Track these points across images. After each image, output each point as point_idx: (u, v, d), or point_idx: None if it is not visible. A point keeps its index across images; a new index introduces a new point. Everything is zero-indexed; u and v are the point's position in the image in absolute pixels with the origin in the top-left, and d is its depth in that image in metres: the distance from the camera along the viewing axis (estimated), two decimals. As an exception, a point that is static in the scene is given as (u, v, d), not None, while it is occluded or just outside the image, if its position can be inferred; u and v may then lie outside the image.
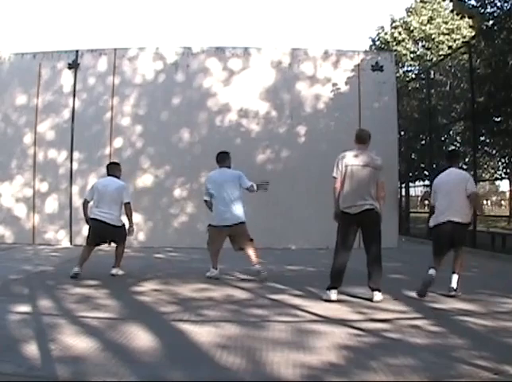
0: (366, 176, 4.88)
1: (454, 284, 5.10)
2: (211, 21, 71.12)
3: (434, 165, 13.37)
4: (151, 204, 10.26)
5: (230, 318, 4.10)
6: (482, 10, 11.77)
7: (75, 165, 10.21)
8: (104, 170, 6.82)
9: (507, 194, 21.29)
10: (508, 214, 18.59)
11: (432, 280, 4.97)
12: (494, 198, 39.48)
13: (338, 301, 4.76)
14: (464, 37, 16.33)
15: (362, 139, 5.05)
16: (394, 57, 11.78)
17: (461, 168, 6.21)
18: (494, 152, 15.91)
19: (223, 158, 6.34)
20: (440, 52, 16.61)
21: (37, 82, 10.42)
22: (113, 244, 6.35)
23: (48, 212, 10.25)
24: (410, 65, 18.02)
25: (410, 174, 15.18)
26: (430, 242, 11.74)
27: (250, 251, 6.05)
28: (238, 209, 6.09)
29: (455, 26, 17.38)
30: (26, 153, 10.35)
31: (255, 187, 6.17)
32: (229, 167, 6.33)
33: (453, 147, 14.91)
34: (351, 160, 4.92)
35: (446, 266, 5.19)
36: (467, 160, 14.21)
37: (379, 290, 4.79)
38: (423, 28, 17.87)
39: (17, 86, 10.43)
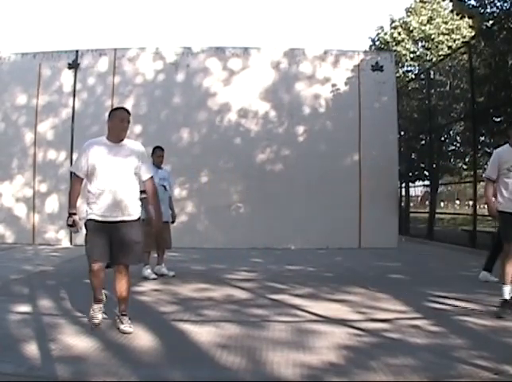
0: None
1: None
2: (211, 21, 71.13)
3: (434, 165, 13.35)
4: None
5: (230, 318, 4.09)
6: (482, 10, 11.72)
7: (75, 165, 10.20)
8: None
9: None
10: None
11: None
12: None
13: (338, 301, 4.76)
14: (464, 37, 16.28)
15: None
16: (394, 57, 11.77)
17: None
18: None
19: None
20: (440, 53, 16.56)
21: (37, 82, 10.41)
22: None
23: (48, 212, 10.25)
24: (410, 65, 17.97)
25: (410, 174, 15.14)
26: (430, 242, 11.58)
27: None
28: None
29: (455, 26, 17.32)
30: (26, 153, 10.35)
31: None
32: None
33: (453, 147, 14.90)
34: None
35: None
36: (467, 160, 14.18)
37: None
38: (422, 28, 17.81)
39: (17, 86, 10.42)
